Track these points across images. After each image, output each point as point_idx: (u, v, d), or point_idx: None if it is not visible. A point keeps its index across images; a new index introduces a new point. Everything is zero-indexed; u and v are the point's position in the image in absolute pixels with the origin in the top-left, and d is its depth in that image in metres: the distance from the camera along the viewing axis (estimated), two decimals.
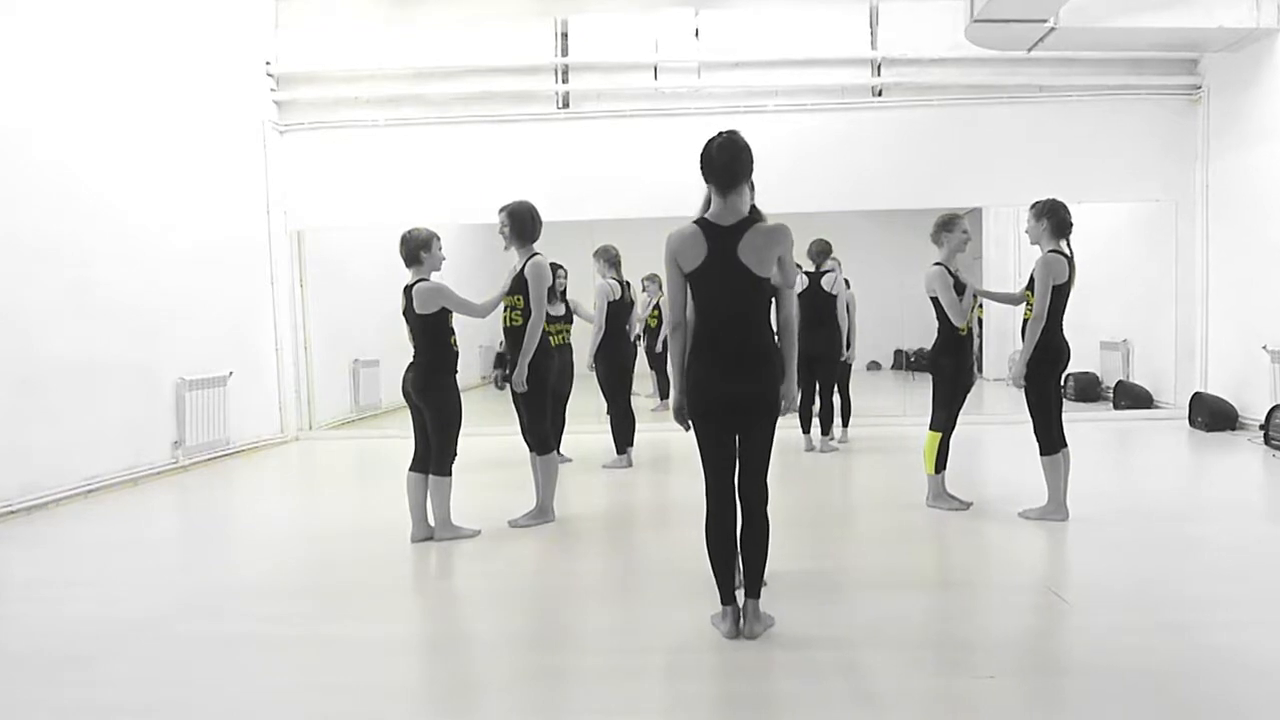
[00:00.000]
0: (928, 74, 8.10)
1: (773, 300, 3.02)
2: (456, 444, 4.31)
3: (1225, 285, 7.78)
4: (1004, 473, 6.20)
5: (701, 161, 2.84)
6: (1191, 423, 7.49)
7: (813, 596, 3.37)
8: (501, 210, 4.59)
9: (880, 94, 8.18)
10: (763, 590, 2.99)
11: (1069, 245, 4.43)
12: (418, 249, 4.21)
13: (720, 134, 2.86)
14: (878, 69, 8.13)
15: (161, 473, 6.57)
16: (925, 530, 4.45)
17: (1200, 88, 8.02)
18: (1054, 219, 4.38)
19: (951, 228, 4.70)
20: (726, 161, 2.80)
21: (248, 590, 3.78)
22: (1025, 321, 4.42)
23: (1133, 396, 8.49)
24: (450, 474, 4.30)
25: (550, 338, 5.09)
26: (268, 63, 8.18)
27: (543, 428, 4.74)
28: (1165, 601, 3.27)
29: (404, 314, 4.29)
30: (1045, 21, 7.05)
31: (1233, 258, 7.63)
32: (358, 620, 3.32)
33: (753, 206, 2.97)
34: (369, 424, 9.23)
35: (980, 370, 10.46)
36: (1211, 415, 7.31)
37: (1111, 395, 8.90)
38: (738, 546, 2.94)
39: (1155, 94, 8.08)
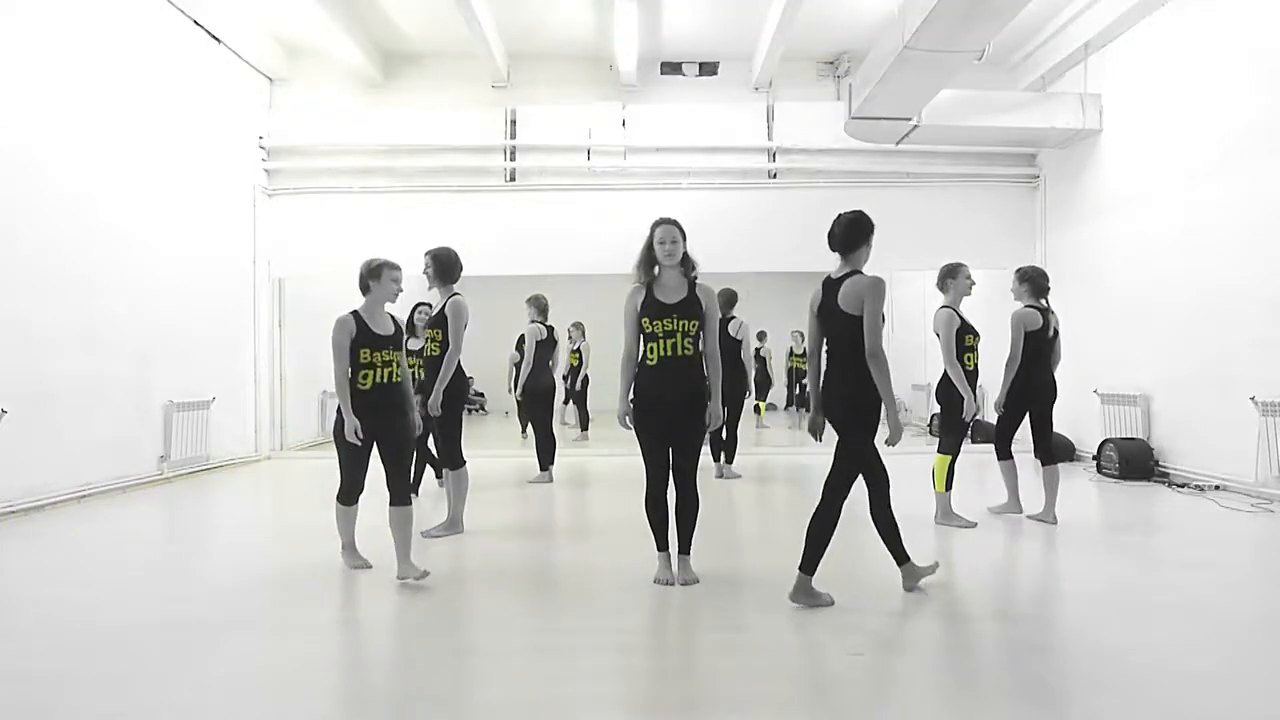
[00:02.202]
0: (815, 161, 9.41)
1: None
2: (345, 474, 4.20)
3: (1062, 339, 8.98)
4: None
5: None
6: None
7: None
8: (426, 254, 4.92)
9: (775, 176, 9.49)
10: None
11: (1046, 301, 5.27)
12: (366, 278, 4.15)
13: (842, 213, 3.67)
14: (773, 156, 9.46)
15: (147, 483, 7.21)
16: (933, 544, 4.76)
17: (1038, 177, 9.43)
18: (1033, 284, 5.20)
19: (956, 275, 5.08)
20: (838, 233, 3.62)
21: (215, 584, 4.09)
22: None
23: (985, 433, 9.64)
24: (345, 503, 4.26)
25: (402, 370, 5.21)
26: (261, 137, 9.33)
27: (454, 445, 4.96)
28: (1005, 593, 3.90)
29: None
30: (910, 120, 8.23)
31: (1068, 317, 8.49)
32: (301, 609, 3.67)
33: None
34: (333, 447, 9.90)
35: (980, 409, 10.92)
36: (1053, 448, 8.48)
37: (969, 432, 9.98)
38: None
39: (1001, 181, 9.46)
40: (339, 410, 4.13)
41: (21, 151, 6.09)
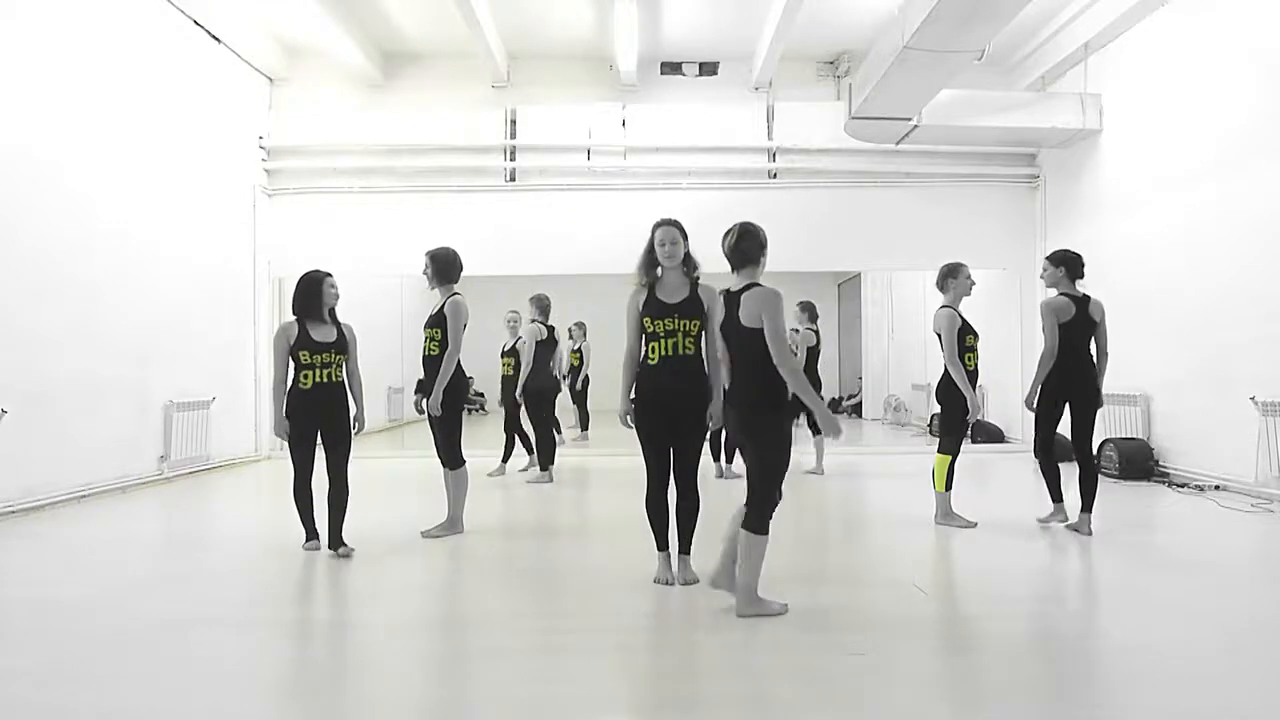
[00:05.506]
0: (815, 161, 9.42)
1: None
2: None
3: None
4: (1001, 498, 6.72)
5: (1063, 260, 5.03)
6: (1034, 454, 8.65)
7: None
8: (426, 254, 4.94)
9: (775, 176, 9.49)
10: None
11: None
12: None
13: (1071, 252, 5.08)
14: (773, 156, 9.46)
15: (147, 483, 7.23)
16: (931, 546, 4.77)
17: (1038, 177, 9.43)
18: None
19: (957, 274, 5.08)
20: (1081, 264, 5.03)
21: (215, 584, 4.12)
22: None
23: (987, 433, 9.70)
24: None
25: (306, 373, 4.58)
26: (261, 137, 9.34)
27: (454, 445, 4.95)
28: (1005, 593, 3.88)
29: None
30: (910, 120, 8.24)
31: None
32: (300, 610, 3.77)
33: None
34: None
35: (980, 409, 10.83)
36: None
37: (970, 432, 9.99)
38: None
39: (1001, 181, 9.46)
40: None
41: (22, 151, 6.10)
